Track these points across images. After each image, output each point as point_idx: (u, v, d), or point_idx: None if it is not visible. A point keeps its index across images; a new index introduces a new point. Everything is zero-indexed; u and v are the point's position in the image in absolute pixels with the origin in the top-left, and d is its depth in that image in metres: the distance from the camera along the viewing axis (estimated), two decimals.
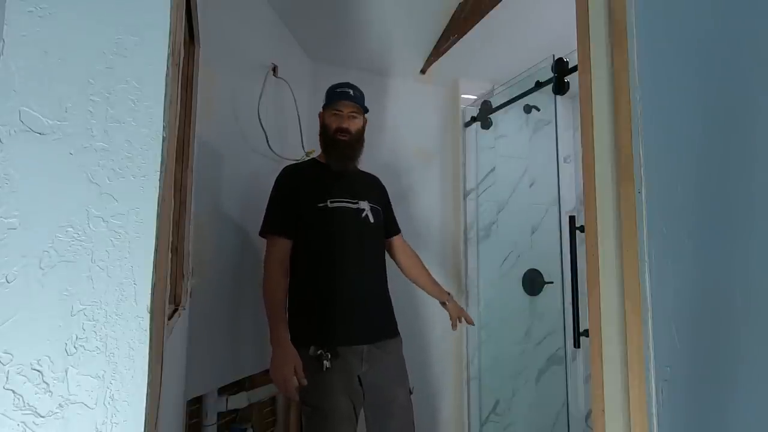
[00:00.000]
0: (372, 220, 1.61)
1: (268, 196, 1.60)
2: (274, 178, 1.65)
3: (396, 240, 1.82)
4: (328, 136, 1.61)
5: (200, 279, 1.42)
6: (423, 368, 2.35)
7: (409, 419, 1.56)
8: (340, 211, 1.56)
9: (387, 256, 1.76)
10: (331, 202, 1.55)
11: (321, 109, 1.67)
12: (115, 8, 0.57)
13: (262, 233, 1.56)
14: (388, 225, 1.77)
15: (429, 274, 1.86)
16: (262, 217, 1.58)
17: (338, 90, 1.63)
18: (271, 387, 1.87)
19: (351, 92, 1.62)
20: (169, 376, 0.85)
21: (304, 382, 1.39)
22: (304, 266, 1.53)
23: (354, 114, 1.62)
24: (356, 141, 1.62)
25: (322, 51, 2.22)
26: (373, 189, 1.73)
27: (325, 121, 1.63)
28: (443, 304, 1.87)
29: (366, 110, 1.68)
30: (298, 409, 2.06)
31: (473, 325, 1.89)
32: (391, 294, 1.69)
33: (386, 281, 1.67)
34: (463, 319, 1.85)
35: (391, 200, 1.83)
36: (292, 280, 1.53)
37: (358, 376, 1.49)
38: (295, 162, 1.74)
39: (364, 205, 1.61)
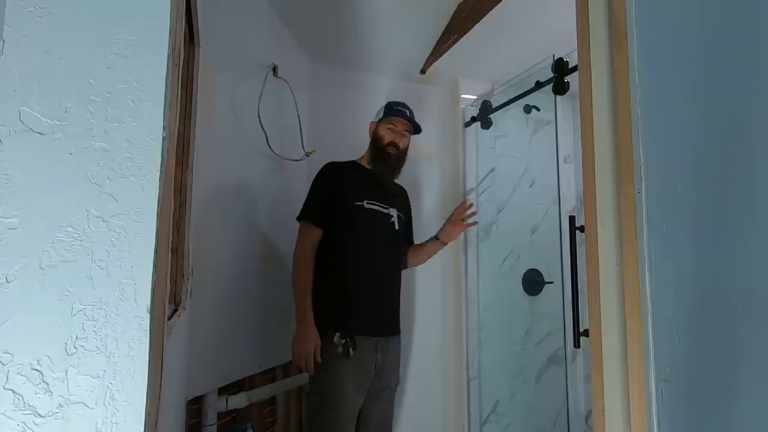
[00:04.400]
0: (397, 227, 1.75)
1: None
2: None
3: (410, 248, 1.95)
4: (379, 147, 1.74)
5: (200, 279, 1.42)
6: (423, 368, 2.35)
7: (392, 404, 1.72)
8: (373, 213, 1.69)
9: None
10: (367, 203, 1.68)
11: (374, 120, 1.79)
12: (116, 8, 0.57)
13: (300, 218, 1.67)
14: (407, 234, 1.90)
15: (419, 249, 1.93)
16: (303, 202, 1.68)
17: (396, 107, 1.77)
18: (271, 387, 1.87)
19: (407, 112, 1.77)
20: (169, 376, 0.85)
21: (319, 360, 1.51)
22: (335, 257, 1.63)
23: (406, 132, 1.77)
24: (401, 157, 1.77)
25: (322, 51, 2.22)
26: (403, 199, 1.88)
27: (379, 133, 1.76)
28: (438, 240, 1.90)
29: (418, 131, 1.81)
30: (298, 408, 2.06)
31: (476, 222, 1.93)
32: None
33: (400, 283, 1.79)
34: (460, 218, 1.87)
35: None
36: (321, 269, 1.63)
37: (374, 367, 1.60)
38: (338, 161, 1.83)
39: (393, 212, 1.75)
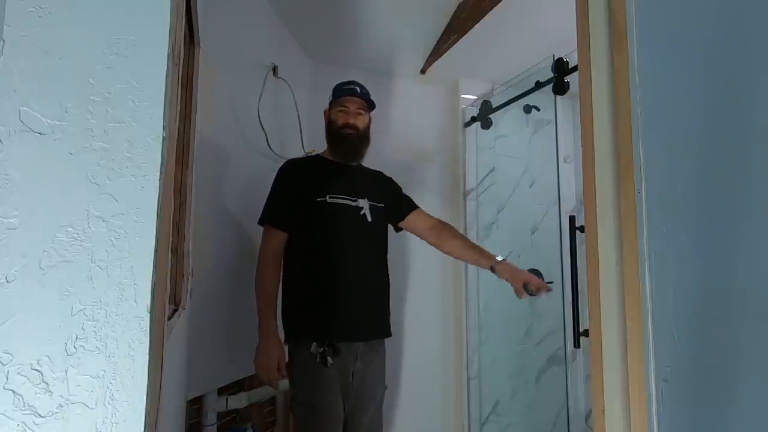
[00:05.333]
0: (370, 219, 1.60)
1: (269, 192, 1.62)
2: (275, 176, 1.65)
3: (414, 216, 1.75)
4: (334, 132, 1.63)
5: (200, 279, 1.42)
6: (423, 368, 2.35)
7: (379, 414, 1.61)
8: (338, 208, 1.56)
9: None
10: (330, 198, 1.55)
11: (327, 107, 1.68)
12: (115, 8, 0.57)
13: (261, 222, 1.57)
14: (396, 208, 1.73)
15: (464, 244, 1.72)
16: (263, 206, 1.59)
17: (345, 87, 1.65)
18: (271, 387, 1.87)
19: (357, 89, 1.64)
20: (169, 376, 0.85)
21: (285, 375, 1.45)
22: (302, 260, 1.54)
23: (360, 111, 1.63)
24: (363, 137, 1.64)
25: (322, 51, 2.22)
26: (376, 186, 1.71)
27: (331, 117, 1.64)
28: (492, 268, 1.60)
29: (372, 107, 1.68)
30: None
31: (550, 290, 1.54)
32: (391, 292, 1.68)
33: (386, 280, 1.65)
34: (533, 287, 1.50)
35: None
36: (289, 273, 1.54)
37: (352, 373, 1.51)
38: (298, 157, 1.74)
39: (363, 203, 1.60)
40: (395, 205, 1.74)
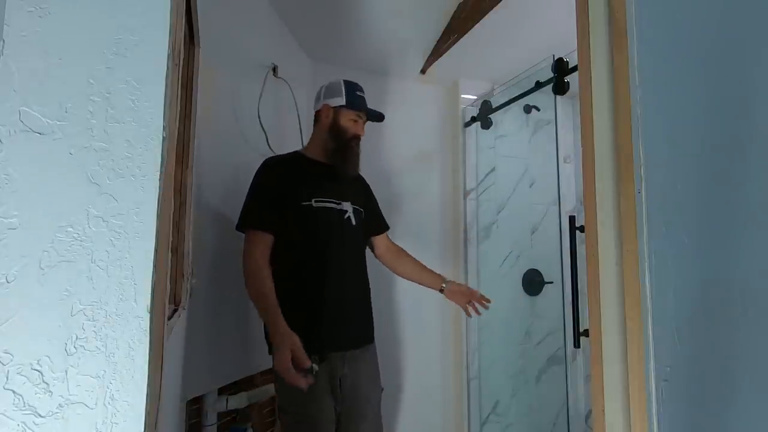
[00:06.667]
0: (354, 223, 1.56)
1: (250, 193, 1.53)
2: None
3: (380, 239, 1.74)
4: (342, 140, 1.55)
5: (200, 279, 1.42)
6: (423, 368, 2.35)
7: (379, 419, 1.56)
8: (324, 212, 1.50)
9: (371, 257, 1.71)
10: (315, 202, 1.49)
11: (331, 103, 1.57)
12: (115, 8, 0.57)
13: (241, 228, 1.46)
14: (372, 223, 1.70)
15: (418, 266, 1.75)
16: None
17: (359, 94, 1.59)
18: (271, 387, 1.87)
19: (366, 102, 1.61)
20: (169, 376, 0.85)
21: (308, 362, 1.31)
22: (286, 266, 1.46)
23: (365, 121, 1.61)
24: (358, 148, 1.61)
25: (322, 51, 2.23)
26: (357, 189, 1.67)
27: (342, 123, 1.55)
28: (441, 290, 1.70)
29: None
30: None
31: (487, 303, 1.66)
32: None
33: (368, 284, 1.62)
34: (475, 303, 1.64)
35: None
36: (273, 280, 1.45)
37: (339, 378, 1.46)
38: (278, 155, 1.66)
39: (347, 206, 1.56)
40: (372, 216, 1.70)
